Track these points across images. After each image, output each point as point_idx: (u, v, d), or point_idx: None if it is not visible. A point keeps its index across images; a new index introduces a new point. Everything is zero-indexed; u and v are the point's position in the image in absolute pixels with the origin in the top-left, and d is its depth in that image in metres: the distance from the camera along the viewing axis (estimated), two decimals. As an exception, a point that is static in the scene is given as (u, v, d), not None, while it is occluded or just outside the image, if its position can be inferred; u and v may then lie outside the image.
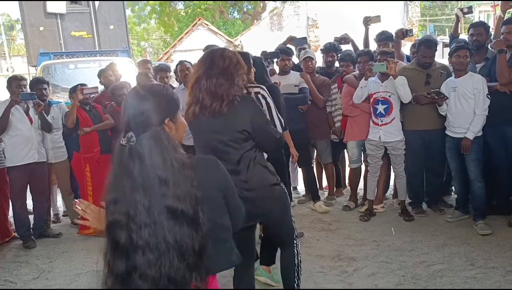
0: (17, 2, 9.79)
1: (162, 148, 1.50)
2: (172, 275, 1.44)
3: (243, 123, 2.44)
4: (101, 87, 5.73)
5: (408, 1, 16.93)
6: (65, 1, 9.73)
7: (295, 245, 2.78)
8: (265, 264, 3.44)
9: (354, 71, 5.05)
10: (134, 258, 1.44)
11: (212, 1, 23.19)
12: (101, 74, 5.67)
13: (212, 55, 2.45)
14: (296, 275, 2.78)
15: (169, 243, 1.44)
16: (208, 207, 1.54)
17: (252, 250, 2.86)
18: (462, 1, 22.89)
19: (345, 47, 5.64)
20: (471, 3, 20.56)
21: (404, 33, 5.29)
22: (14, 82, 4.71)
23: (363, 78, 4.63)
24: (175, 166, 1.49)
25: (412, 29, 6.30)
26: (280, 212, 2.67)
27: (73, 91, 5.36)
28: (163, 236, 1.44)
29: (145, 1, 24.54)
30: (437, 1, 26.09)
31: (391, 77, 4.50)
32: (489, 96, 4.09)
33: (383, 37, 5.22)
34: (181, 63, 5.13)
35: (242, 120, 2.43)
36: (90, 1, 9.99)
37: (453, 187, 5.17)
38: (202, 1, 23.11)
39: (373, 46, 5.46)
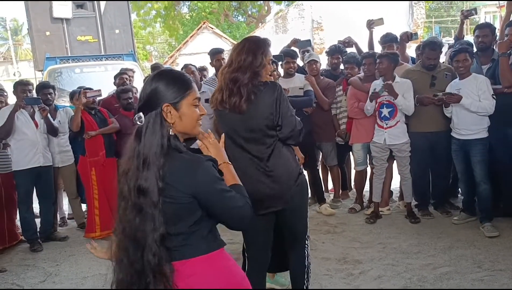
0: (24, 7, 9.86)
1: (152, 130, 1.58)
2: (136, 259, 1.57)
3: (266, 110, 2.46)
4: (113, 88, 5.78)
5: (413, 2, 16.87)
6: (71, 6, 9.80)
7: (306, 245, 2.76)
8: (268, 271, 3.39)
9: (359, 73, 5.04)
10: (122, 239, 1.63)
11: (216, 5, 23.25)
12: (118, 76, 5.74)
13: (238, 46, 2.55)
14: (305, 276, 2.77)
15: (134, 227, 1.59)
16: (171, 203, 1.57)
17: (267, 241, 2.75)
18: (467, 2, 22.79)
19: (349, 50, 5.63)
20: (476, 3, 20.48)
21: (408, 36, 5.30)
22: (20, 87, 4.76)
23: (368, 98, 4.60)
24: (157, 151, 1.56)
25: (416, 32, 6.31)
26: (301, 202, 2.68)
27: (72, 95, 5.42)
28: (133, 218, 1.59)
29: (150, 4, 24.62)
30: (442, 3, 26.01)
31: (395, 81, 4.50)
32: (494, 96, 4.07)
33: (387, 39, 5.22)
34: (186, 66, 5.15)
35: (265, 106, 2.46)
36: (96, 6, 10.05)
37: (459, 189, 5.14)
38: (207, 5, 23.18)
39: (377, 49, 5.45)
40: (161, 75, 1.66)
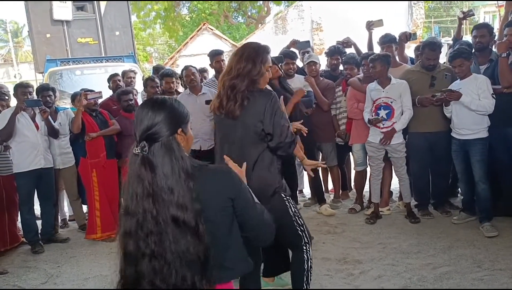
0: (24, 9, 9.87)
1: (172, 157, 1.57)
2: (178, 285, 1.50)
3: (256, 116, 2.50)
4: (109, 92, 5.80)
5: (412, 2, 16.88)
6: (71, 8, 9.81)
7: (304, 250, 2.73)
8: (267, 276, 3.38)
9: (359, 74, 5.06)
10: (141, 265, 1.52)
11: (216, 6, 23.27)
12: (111, 78, 5.75)
13: (238, 53, 2.60)
14: (305, 279, 2.74)
15: (173, 252, 1.51)
16: (213, 218, 1.61)
17: (258, 252, 2.84)
18: (467, 2, 22.80)
19: (348, 51, 5.65)
20: (475, 3, 20.49)
21: (407, 37, 5.31)
22: (20, 89, 4.77)
23: (367, 122, 4.63)
24: (181, 176, 1.55)
25: (415, 33, 6.32)
26: (280, 221, 2.67)
27: (74, 97, 5.44)
28: (168, 245, 1.51)
29: (150, 5, 24.64)
30: (441, 3, 26.02)
31: (392, 83, 4.52)
32: (494, 95, 4.09)
33: (386, 40, 5.23)
34: (186, 68, 5.16)
35: (256, 112, 2.50)
36: (96, 7, 10.06)
37: (459, 189, 5.16)
38: (206, 7, 23.19)
39: (377, 49, 5.46)
40: (161, 106, 1.65)
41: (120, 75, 6.04)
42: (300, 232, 2.71)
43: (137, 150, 1.57)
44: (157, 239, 1.51)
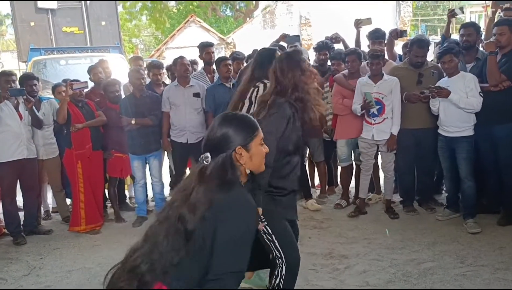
0: (8, -3, 9.68)
1: (222, 170, 1.64)
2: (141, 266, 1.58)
3: None
4: (91, 84, 5.69)
5: (400, 1, 17.00)
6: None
7: (277, 265, 2.60)
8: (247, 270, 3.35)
9: (345, 69, 5.07)
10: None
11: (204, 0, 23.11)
12: (91, 70, 5.62)
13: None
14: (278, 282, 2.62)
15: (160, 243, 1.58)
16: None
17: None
18: (454, 1, 23.03)
19: (336, 46, 5.66)
20: (462, 3, 20.70)
21: (398, 34, 5.33)
22: (3, 78, 4.66)
23: (359, 106, 4.60)
24: (206, 195, 1.60)
25: (406, 30, 6.36)
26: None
27: (54, 88, 5.35)
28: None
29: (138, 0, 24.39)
30: (429, 2, 26.24)
31: (384, 79, 4.54)
32: (481, 94, 4.13)
33: (375, 36, 5.25)
34: (181, 58, 5.10)
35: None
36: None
37: (444, 186, 5.22)
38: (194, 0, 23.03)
39: (364, 47, 5.48)
40: (230, 119, 1.75)
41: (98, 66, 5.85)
42: (267, 241, 2.59)
43: (201, 158, 1.68)
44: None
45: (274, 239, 2.58)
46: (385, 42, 5.26)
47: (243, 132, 1.72)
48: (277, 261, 2.60)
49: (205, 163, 1.67)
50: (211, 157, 1.67)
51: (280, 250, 2.58)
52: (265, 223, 2.57)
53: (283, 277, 2.58)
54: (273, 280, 2.62)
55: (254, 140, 1.75)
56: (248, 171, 1.78)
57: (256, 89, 3.34)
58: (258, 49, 3.69)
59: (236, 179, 1.67)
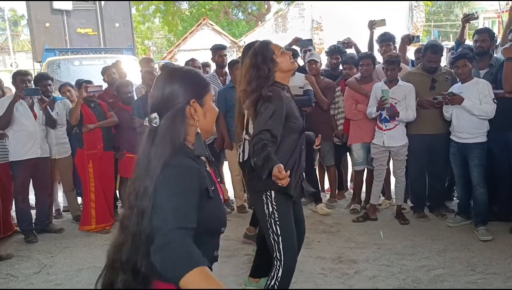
0: (24, -2, 9.82)
1: (172, 128, 1.47)
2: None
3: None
4: (104, 85, 5.75)
5: (413, 5, 16.91)
6: (71, -1, 9.75)
7: (274, 266, 2.59)
8: (253, 277, 3.35)
9: (357, 74, 5.06)
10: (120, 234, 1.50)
11: (217, 2, 23.20)
12: (105, 71, 5.71)
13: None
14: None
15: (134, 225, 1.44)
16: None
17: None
18: (466, 6, 22.87)
19: (348, 51, 5.65)
20: (476, 9, 20.55)
21: (410, 39, 5.31)
22: (19, 77, 4.73)
23: (375, 107, 4.56)
24: (166, 152, 1.45)
25: (418, 35, 6.33)
26: (261, 220, 2.68)
27: (60, 87, 5.42)
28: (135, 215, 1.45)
29: (150, 0, 24.55)
30: (442, 7, 26.09)
31: (398, 84, 4.52)
32: (495, 100, 4.10)
33: (384, 38, 5.24)
34: (193, 60, 5.13)
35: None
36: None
37: (455, 193, 5.17)
38: (207, 1, 23.13)
39: (375, 51, 5.47)
40: (178, 74, 1.58)
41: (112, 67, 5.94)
42: (272, 240, 2.58)
43: (147, 121, 1.51)
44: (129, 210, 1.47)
45: (280, 241, 2.57)
46: (394, 45, 5.25)
47: (195, 85, 1.55)
48: (275, 263, 2.59)
49: (153, 124, 1.49)
50: (159, 118, 1.49)
51: (282, 252, 2.57)
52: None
53: (279, 279, 2.58)
54: (269, 281, 2.61)
55: (208, 94, 1.58)
56: (198, 131, 1.57)
57: None
58: None
59: (182, 140, 1.49)
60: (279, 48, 2.66)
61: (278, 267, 2.58)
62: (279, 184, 2.18)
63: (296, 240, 2.66)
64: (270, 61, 2.58)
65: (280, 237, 2.57)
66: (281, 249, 2.57)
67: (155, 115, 1.50)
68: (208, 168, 1.63)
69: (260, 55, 2.60)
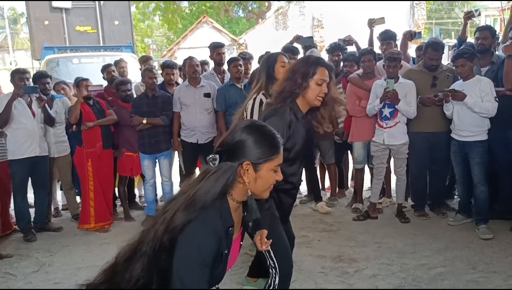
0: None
1: (216, 181, 1.51)
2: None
3: None
4: (104, 83, 5.74)
5: (414, 3, 16.87)
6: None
7: (270, 274, 2.50)
8: (250, 276, 3.33)
9: (359, 70, 5.03)
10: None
11: (217, 1, 23.16)
12: (105, 69, 5.69)
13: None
14: None
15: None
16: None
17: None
18: (468, 4, 22.83)
19: (349, 49, 5.63)
20: (477, 6, 20.50)
21: (412, 35, 5.28)
22: (17, 75, 4.70)
23: (378, 99, 4.52)
24: (207, 198, 1.50)
25: (420, 31, 6.30)
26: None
27: (55, 85, 5.44)
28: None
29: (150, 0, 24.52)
30: (443, 4, 26.04)
31: (399, 82, 4.49)
32: (497, 98, 4.07)
33: (386, 36, 5.21)
34: (190, 58, 5.11)
35: None
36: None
37: (456, 191, 5.15)
38: (206, 0, 23.09)
39: (377, 46, 5.44)
40: (255, 129, 1.58)
41: (113, 64, 5.96)
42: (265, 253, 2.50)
43: (209, 158, 1.55)
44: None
45: (270, 249, 2.51)
46: (395, 43, 5.22)
47: (262, 148, 1.55)
48: (271, 271, 2.52)
49: (211, 165, 1.54)
50: (219, 161, 1.53)
51: (275, 260, 2.50)
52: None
53: (276, 287, 2.54)
54: (267, 288, 2.55)
55: (269, 162, 1.56)
56: (249, 193, 1.59)
57: (253, 101, 3.33)
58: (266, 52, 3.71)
59: (225, 192, 1.54)
60: (324, 76, 2.54)
61: (274, 275, 2.52)
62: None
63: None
64: (304, 79, 2.52)
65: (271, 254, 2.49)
66: (273, 257, 2.50)
67: (216, 156, 1.54)
68: (232, 230, 1.63)
69: (305, 68, 2.54)
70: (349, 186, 5.95)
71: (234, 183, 1.55)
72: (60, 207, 5.66)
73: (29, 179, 4.79)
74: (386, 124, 4.57)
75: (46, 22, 9.57)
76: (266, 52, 5.04)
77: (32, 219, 4.81)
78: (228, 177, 1.51)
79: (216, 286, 1.67)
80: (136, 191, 5.94)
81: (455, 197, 5.20)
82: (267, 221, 2.46)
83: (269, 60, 3.37)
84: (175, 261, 1.47)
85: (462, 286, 3.28)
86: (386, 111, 4.55)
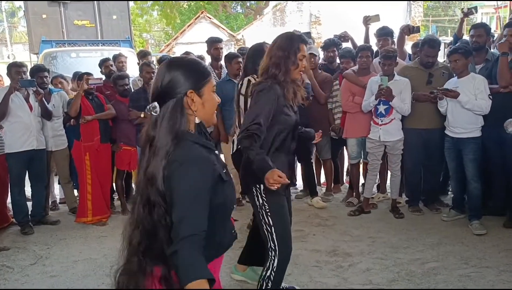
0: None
1: (172, 118, 1.51)
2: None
3: None
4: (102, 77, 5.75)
5: (411, 1, 16.90)
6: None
7: (269, 256, 2.61)
8: (241, 263, 3.38)
9: (355, 67, 5.05)
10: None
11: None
12: (102, 63, 5.71)
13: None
14: (263, 285, 2.61)
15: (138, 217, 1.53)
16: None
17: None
18: (465, 2, 22.84)
19: (344, 45, 5.65)
20: (474, 4, 20.53)
21: (410, 29, 5.28)
22: (14, 69, 4.71)
23: (374, 96, 4.54)
24: (168, 140, 1.50)
25: (419, 26, 6.29)
26: (254, 210, 2.69)
27: (52, 79, 5.45)
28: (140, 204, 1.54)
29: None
30: (440, 2, 26.04)
31: (395, 79, 4.52)
32: (490, 96, 4.11)
33: (383, 33, 5.23)
34: (187, 54, 5.13)
35: None
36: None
37: (449, 187, 5.20)
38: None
39: (373, 43, 5.46)
40: (177, 64, 1.60)
41: (112, 59, 5.97)
42: (265, 231, 2.60)
43: (147, 109, 1.54)
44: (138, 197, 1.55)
45: (273, 231, 2.59)
46: (392, 39, 5.23)
47: (194, 75, 1.57)
48: (270, 253, 2.61)
49: (153, 113, 1.53)
50: (159, 107, 1.53)
51: (276, 243, 2.59)
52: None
53: (274, 269, 2.60)
54: (264, 272, 2.63)
55: (207, 85, 1.59)
56: (197, 121, 1.61)
57: (244, 83, 3.44)
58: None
59: (185, 128, 1.53)
60: (305, 52, 2.64)
61: (273, 257, 2.60)
62: (269, 187, 2.23)
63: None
64: (294, 55, 2.58)
65: (272, 227, 2.59)
66: (275, 239, 2.59)
67: (155, 104, 1.54)
68: (216, 150, 1.68)
69: (291, 46, 2.60)
70: (344, 181, 5.99)
71: (185, 116, 1.55)
72: (58, 201, 5.68)
73: (27, 172, 4.80)
74: (382, 121, 4.60)
75: (44, 16, 9.55)
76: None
77: (29, 212, 4.83)
78: (179, 112, 1.52)
79: (234, 206, 1.71)
80: (134, 185, 5.97)
81: (449, 193, 5.25)
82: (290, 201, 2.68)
83: (259, 51, 3.36)
84: (174, 203, 1.46)
85: (455, 281, 3.33)
86: (381, 108, 4.58)
